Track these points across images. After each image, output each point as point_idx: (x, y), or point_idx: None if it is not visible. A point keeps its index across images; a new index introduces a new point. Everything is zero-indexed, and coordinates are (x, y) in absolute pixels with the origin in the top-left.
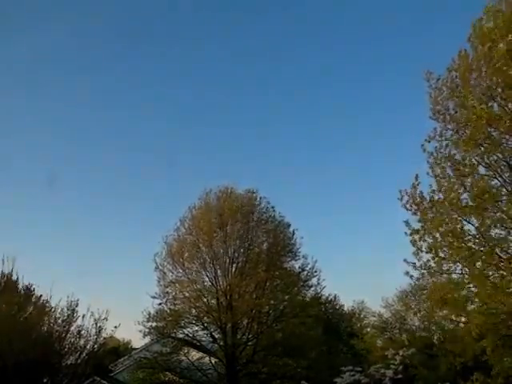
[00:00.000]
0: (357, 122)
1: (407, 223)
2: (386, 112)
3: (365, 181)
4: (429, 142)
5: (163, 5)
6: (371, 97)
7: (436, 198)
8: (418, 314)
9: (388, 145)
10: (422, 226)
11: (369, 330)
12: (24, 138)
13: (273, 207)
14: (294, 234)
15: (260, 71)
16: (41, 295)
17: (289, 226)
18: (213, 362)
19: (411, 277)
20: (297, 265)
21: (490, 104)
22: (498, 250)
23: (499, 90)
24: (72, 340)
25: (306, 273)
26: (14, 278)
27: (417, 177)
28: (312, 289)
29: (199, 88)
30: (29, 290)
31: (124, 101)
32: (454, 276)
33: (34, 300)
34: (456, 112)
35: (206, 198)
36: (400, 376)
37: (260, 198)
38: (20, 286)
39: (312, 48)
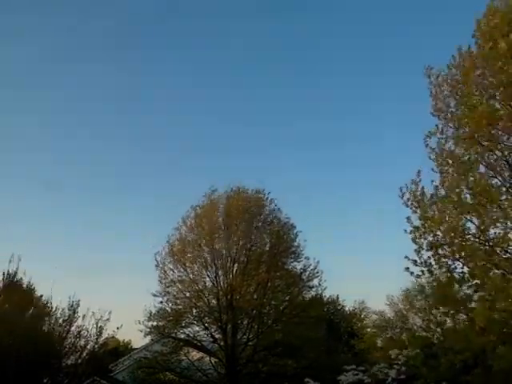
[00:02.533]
0: (357, 122)
1: (409, 219)
2: (387, 111)
3: (365, 181)
4: (430, 137)
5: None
6: (371, 95)
7: (438, 194)
8: (419, 314)
9: (390, 144)
10: (423, 224)
11: (369, 329)
12: (24, 136)
13: (279, 209)
14: (297, 235)
15: (261, 70)
16: (41, 295)
17: (294, 227)
18: (213, 362)
19: (411, 273)
20: (299, 266)
21: (491, 102)
22: (497, 249)
23: (501, 88)
24: (72, 340)
25: (307, 274)
26: (19, 277)
27: (419, 173)
28: (313, 290)
29: (200, 87)
30: (30, 290)
31: (124, 98)
32: (454, 274)
33: (34, 300)
34: (457, 110)
35: (211, 196)
36: (403, 376)
37: (268, 199)
38: (24, 286)
39: (313, 47)
